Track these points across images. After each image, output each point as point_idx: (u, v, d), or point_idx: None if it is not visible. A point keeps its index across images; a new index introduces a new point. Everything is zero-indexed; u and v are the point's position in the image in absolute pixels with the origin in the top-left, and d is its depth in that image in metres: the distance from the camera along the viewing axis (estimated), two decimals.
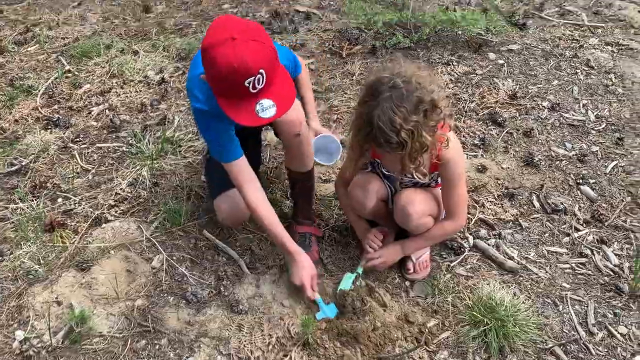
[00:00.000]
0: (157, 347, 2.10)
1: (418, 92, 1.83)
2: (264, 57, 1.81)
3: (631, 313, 2.22)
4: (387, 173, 2.26)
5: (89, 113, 3.40)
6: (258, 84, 1.83)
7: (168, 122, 3.27)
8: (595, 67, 3.59)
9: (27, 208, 2.69)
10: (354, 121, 1.98)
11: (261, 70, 1.80)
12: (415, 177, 2.04)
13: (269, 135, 3.09)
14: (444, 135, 1.98)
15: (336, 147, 2.72)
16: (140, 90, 3.60)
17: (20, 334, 2.11)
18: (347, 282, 2.27)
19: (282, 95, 1.91)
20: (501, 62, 3.68)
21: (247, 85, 1.81)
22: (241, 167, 2.15)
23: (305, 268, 2.21)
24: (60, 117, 3.32)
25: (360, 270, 2.32)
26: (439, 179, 2.22)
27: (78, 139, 3.18)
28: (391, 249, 2.33)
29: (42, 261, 2.41)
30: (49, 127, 3.27)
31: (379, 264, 2.31)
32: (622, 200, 2.69)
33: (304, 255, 2.24)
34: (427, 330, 2.14)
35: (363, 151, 2.02)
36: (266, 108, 1.87)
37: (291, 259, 2.23)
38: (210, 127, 2.08)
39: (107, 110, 3.41)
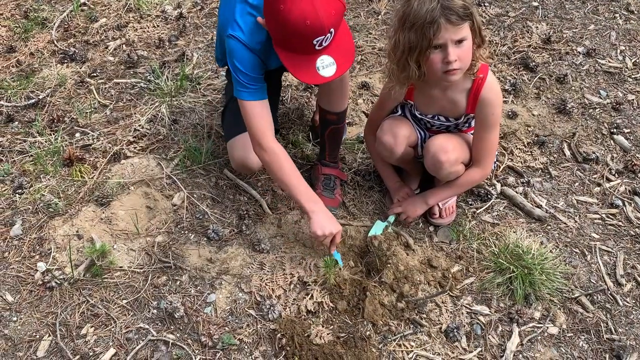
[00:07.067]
0: (177, 283, 2.09)
1: None
2: (336, 16, 1.75)
3: None
4: (419, 116, 2.17)
5: (106, 48, 3.30)
6: (324, 43, 1.78)
7: (187, 58, 3.17)
8: (636, 12, 3.39)
9: (45, 142, 2.65)
10: (392, 41, 1.88)
11: (331, 30, 1.75)
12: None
13: (290, 75, 2.99)
14: (487, 62, 1.92)
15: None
16: (158, 26, 3.48)
17: (42, 266, 2.11)
18: (378, 228, 2.23)
19: (342, 50, 1.85)
20: (535, 4, 3.49)
21: (315, 43, 1.75)
22: (264, 110, 2.01)
23: (322, 227, 2.01)
24: (77, 51, 3.23)
25: (392, 219, 2.27)
26: (472, 122, 2.12)
27: (95, 74, 3.09)
28: (415, 203, 2.26)
29: (61, 195, 2.39)
30: (65, 61, 3.19)
31: (404, 219, 2.25)
32: None
33: (320, 214, 2.02)
34: (450, 275, 2.11)
35: (408, 65, 1.86)
36: (326, 65, 1.81)
37: (307, 217, 2.05)
38: (245, 60, 1.93)
39: (124, 46, 3.31)
